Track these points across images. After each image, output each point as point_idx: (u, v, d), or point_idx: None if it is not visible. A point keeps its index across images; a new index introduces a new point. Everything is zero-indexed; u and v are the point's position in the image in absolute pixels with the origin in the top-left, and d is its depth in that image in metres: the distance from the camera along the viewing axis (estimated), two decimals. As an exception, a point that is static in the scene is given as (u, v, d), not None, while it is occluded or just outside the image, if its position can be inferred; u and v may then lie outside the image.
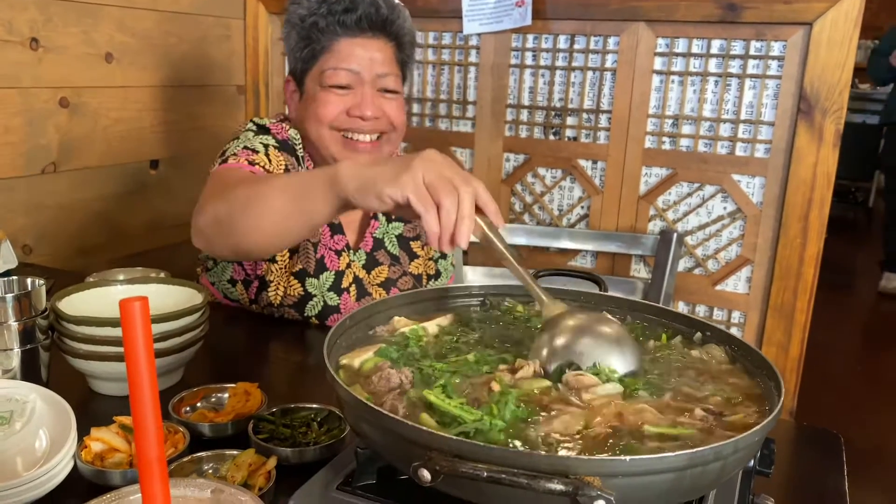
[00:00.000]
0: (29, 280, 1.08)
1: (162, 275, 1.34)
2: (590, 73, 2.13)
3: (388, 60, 1.45)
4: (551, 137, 2.21)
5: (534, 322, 1.01)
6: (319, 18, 1.41)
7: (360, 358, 0.88)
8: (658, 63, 2.05)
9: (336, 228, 1.48)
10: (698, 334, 0.97)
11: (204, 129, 2.37)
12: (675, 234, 2.00)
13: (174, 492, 0.55)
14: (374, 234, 1.56)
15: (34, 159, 1.88)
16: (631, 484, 0.63)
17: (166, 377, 1.10)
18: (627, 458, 0.63)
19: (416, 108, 2.38)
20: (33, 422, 0.87)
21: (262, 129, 1.45)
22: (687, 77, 2.03)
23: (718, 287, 2.09)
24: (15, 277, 1.09)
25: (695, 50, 2.01)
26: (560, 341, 0.86)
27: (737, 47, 1.96)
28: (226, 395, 1.02)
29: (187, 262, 1.72)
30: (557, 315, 0.90)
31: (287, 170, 1.40)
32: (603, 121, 2.14)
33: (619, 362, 0.84)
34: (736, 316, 2.09)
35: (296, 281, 1.44)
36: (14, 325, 1.01)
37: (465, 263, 2.11)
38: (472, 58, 2.27)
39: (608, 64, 2.10)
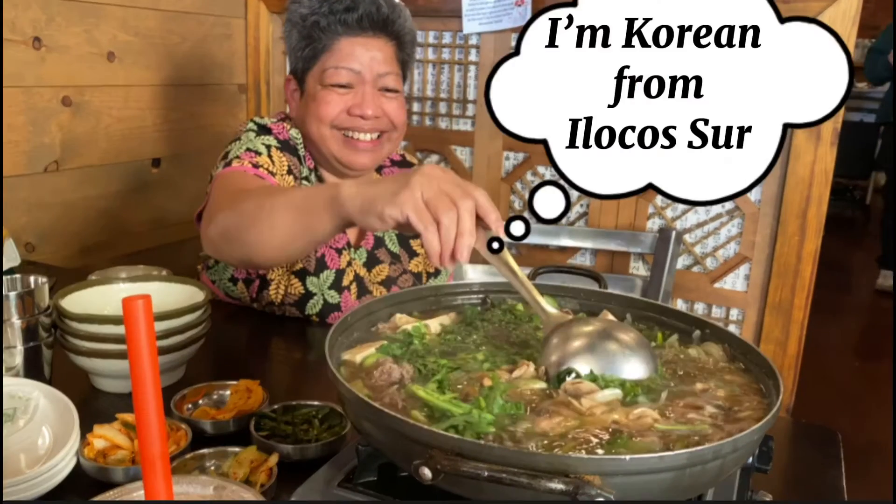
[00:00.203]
0: (32, 278, 1.08)
1: (164, 273, 1.34)
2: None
3: (389, 59, 1.45)
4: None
5: (535, 321, 1.01)
6: (321, 17, 1.42)
7: (363, 354, 0.88)
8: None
9: (337, 227, 1.48)
10: (697, 332, 0.97)
11: (205, 127, 2.37)
12: (673, 232, 2.01)
13: (177, 489, 0.56)
14: (375, 233, 1.56)
15: (37, 158, 1.89)
16: (631, 483, 0.64)
17: (168, 375, 1.11)
18: (627, 457, 0.64)
19: (416, 106, 2.39)
20: (36, 419, 0.88)
21: (264, 130, 1.45)
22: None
23: (717, 284, 2.09)
24: (18, 275, 1.10)
25: (694, 49, 2.01)
26: (568, 349, 0.85)
27: (736, 46, 1.96)
28: (227, 393, 1.03)
29: (189, 260, 1.73)
30: (565, 322, 0.89)
31: (290, 170, 1.41)
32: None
33: (631, 373, 0.83)
34: (734, 313, 2.09)
35: (296, 279, 1.44)
36: (17, 322, 1.02)
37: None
38: (472, 57, 2.27)
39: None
